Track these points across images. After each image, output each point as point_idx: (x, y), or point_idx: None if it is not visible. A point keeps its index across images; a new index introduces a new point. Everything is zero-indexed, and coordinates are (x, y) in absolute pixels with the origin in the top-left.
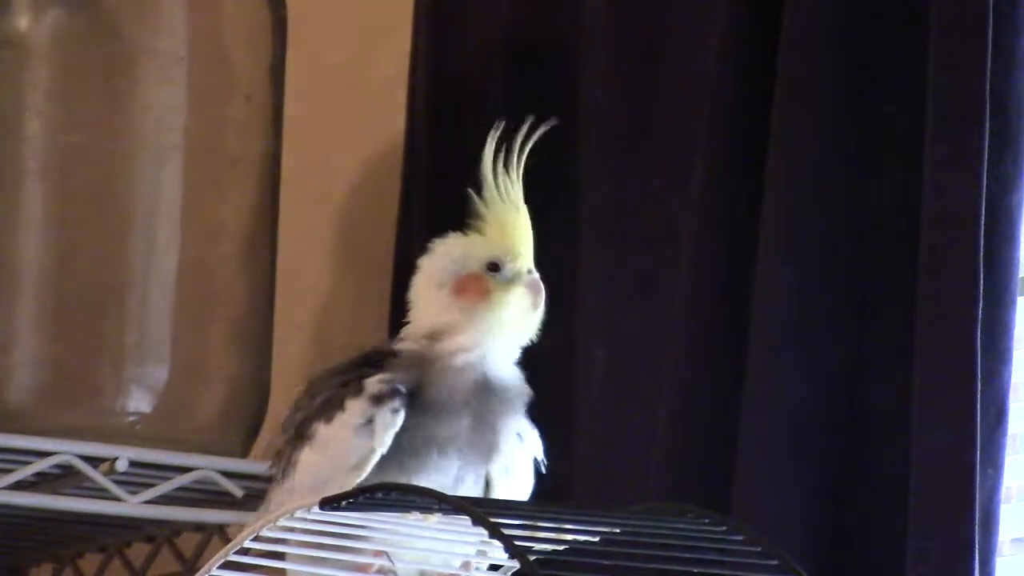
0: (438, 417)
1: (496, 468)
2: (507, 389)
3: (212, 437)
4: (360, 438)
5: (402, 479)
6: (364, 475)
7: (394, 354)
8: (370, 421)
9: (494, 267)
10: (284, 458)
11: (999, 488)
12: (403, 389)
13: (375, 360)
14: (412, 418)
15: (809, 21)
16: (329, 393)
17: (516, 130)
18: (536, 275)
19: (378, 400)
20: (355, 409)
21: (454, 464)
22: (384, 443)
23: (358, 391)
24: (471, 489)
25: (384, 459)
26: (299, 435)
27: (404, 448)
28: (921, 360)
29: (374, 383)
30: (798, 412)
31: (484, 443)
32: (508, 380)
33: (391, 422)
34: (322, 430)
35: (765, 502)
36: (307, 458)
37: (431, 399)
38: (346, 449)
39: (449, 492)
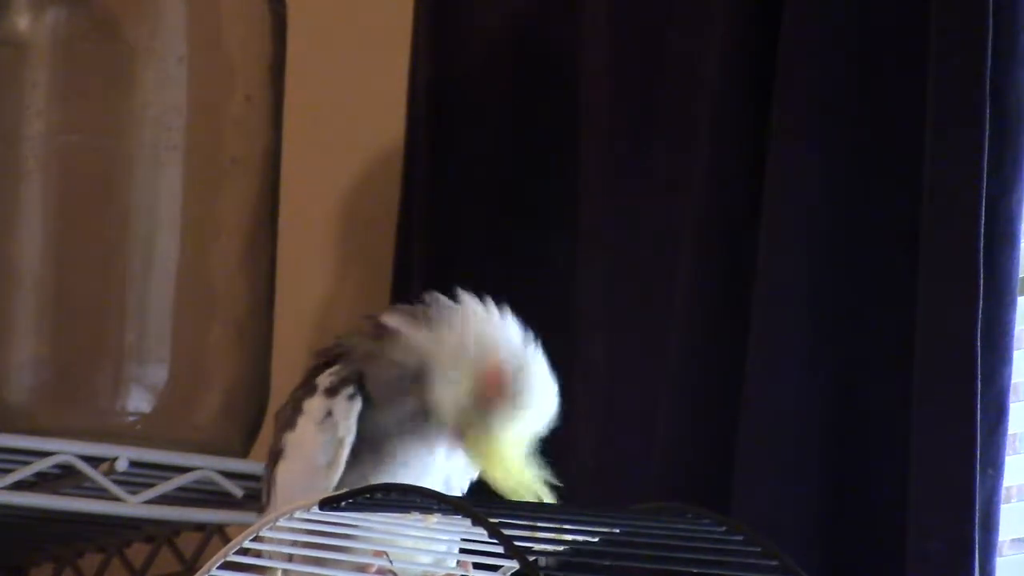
0: (383, 408)
1: None
2: None
3: (212, 437)
4: (325, 434)
5: (372, 477)
6: (339, 471)
7: (345, 352)
8: (330, 414)
9: None
10: (265, 482)
11: (999, 488)
12: (351, 376)
13: (332, 359)
14: (366, 412)
15: (809, 21)
16: (292, 404)
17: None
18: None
19: (332, 392)
20: (313, 407)
21: (421, 455)
22: (349, 430)
23: (312, 390)
24: (457, 477)
25: (352, 459)
26: (273, 455)
27: (365, 446)
28: (921, 360)
29: (324, 378)
30: (798, 411)
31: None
32: None
33: (349, 408)
34: (290, 438)
35: (765, 502)
36: (282, 471)
37: (375, 392)
38: (315, 448)
39: (428, 483)
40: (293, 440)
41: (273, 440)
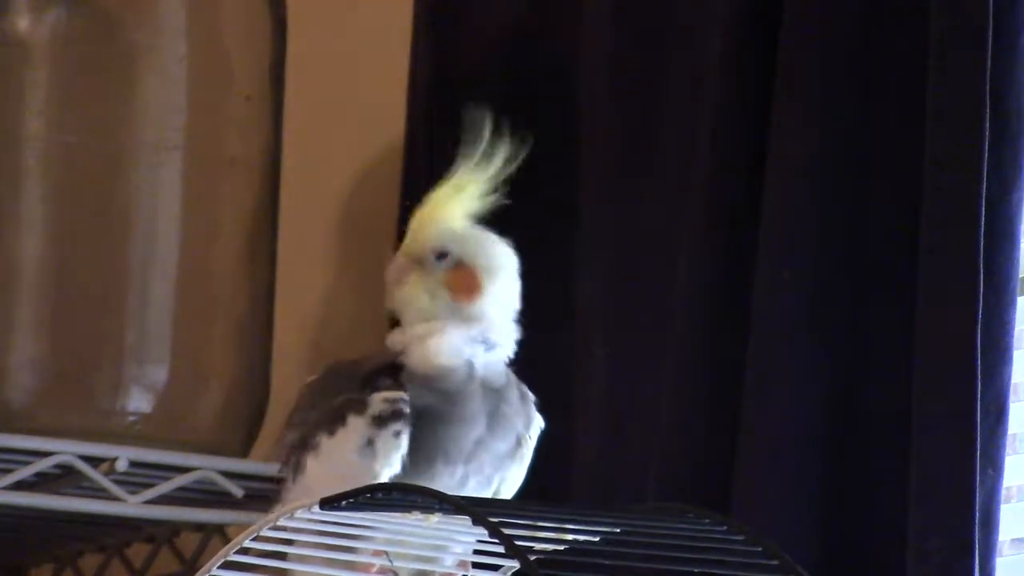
0: (442, 426)
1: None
2: (494, 382)
3: (212, 437)
4: (362, 459)
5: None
6: None
7: (399, 367)
8: (371, 443)
9: None
10: (291, 461)
11: (999, 488)
12: (407, 409)
13: (393, 370)
14: (418, 430)
15: (809, 21)
16: (339, 403)
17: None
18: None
19: (380, 421)
20: (356, 428)
21: (458, 470)
22: (389, 464)
23: (362, 408)
24: (474, 490)
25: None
26: (304, 442)
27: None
28: (921, 360)
29: (378, 402)
30: (798, 411)
31: (494, 447)
32: (495, 375)
33: (394, 445)
34: (325, 442)
35: (765, 502)
36: (311, 467)
37: (434, 409)
38: (345, 467)
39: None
40: (328, 446)
41: (309, 429)
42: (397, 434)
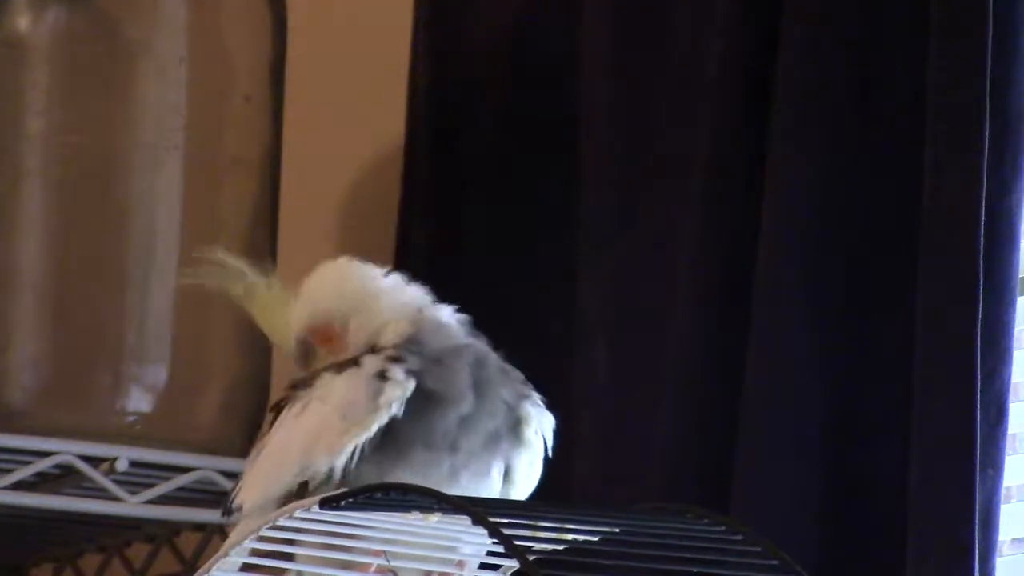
0: (425, 405)
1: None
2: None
3: (212, 437)
4: (369, 388)
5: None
6: (359, 436)
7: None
8: (383, 375)
9: None
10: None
11: (999, 488)
12: (417, 362)
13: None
14: (417, 412)
15: (809, 21)
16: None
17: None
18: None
19: (394, 359)
20: (370, 363)
21: (444, 461)
22: (390, 402)
23: (373, 351)
24: (468, 484)
25: (378, 453)
26: (296, 392)
27: (394, 445)
28: (921, 360)
29: (389, 348)
30: (798, 411)
31: (483, 426)
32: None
33: (403, 380)
34: (330, 380)
35: (765, 502)
36: (313, 407)
37: (431, 385)
38: (350, 397)
39: (444, 488)
40: (332, 383)
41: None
42: (408, 372)
